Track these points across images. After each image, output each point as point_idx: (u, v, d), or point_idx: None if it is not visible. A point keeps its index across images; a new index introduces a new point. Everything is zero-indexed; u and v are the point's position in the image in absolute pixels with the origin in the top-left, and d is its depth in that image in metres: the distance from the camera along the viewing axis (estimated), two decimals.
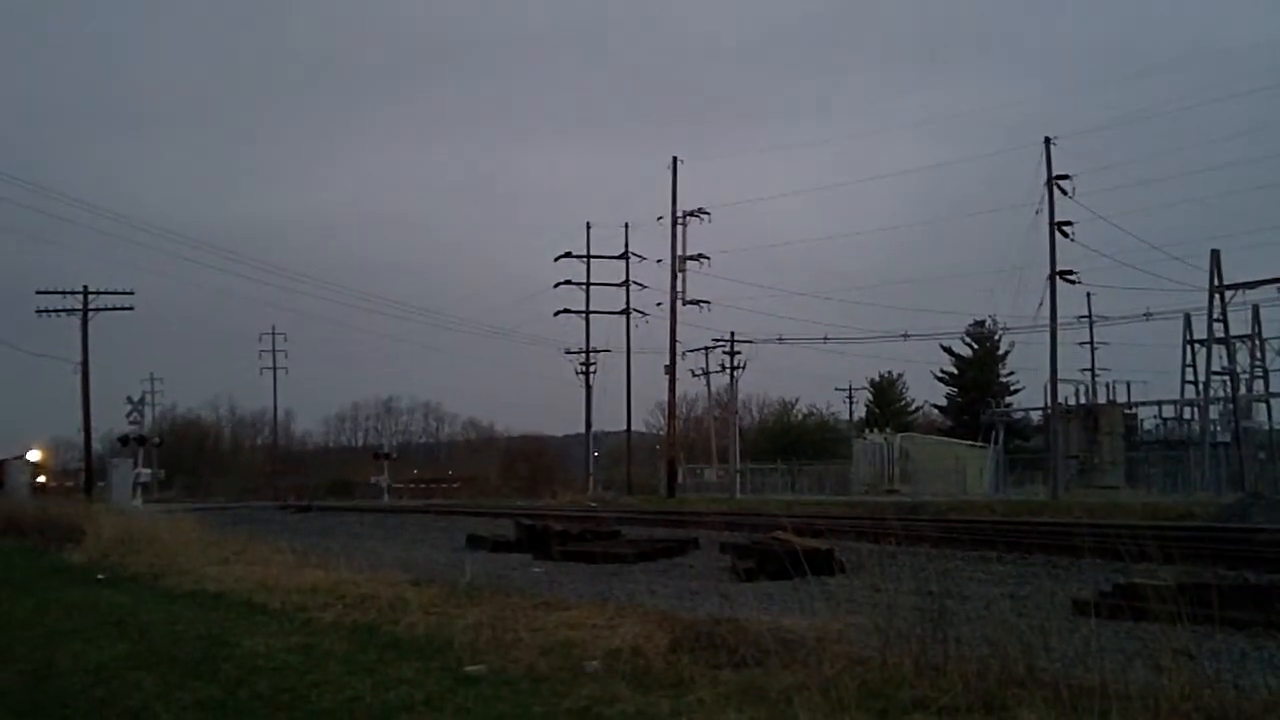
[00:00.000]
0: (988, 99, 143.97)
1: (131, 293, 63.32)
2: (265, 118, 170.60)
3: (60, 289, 62.35)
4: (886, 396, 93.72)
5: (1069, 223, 47.23)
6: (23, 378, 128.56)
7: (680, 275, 60.79)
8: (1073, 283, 48.68)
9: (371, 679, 7.30)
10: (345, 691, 6.99)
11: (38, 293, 62.22)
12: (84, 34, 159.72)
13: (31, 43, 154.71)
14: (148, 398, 77.63)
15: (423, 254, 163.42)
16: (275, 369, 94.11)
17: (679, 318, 61.06)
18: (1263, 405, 55.00)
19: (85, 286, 62.48)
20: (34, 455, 61.11)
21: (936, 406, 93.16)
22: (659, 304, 63.75)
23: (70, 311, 62.22)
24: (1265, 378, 54.22)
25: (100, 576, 15.99)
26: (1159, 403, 60.04)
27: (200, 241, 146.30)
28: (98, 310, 62.54)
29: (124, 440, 63.44)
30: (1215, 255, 51.95)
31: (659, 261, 63.84)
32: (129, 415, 61.86)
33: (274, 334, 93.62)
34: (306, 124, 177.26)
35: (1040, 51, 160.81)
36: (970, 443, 68.34)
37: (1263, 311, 52.64)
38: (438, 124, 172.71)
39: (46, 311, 62.03)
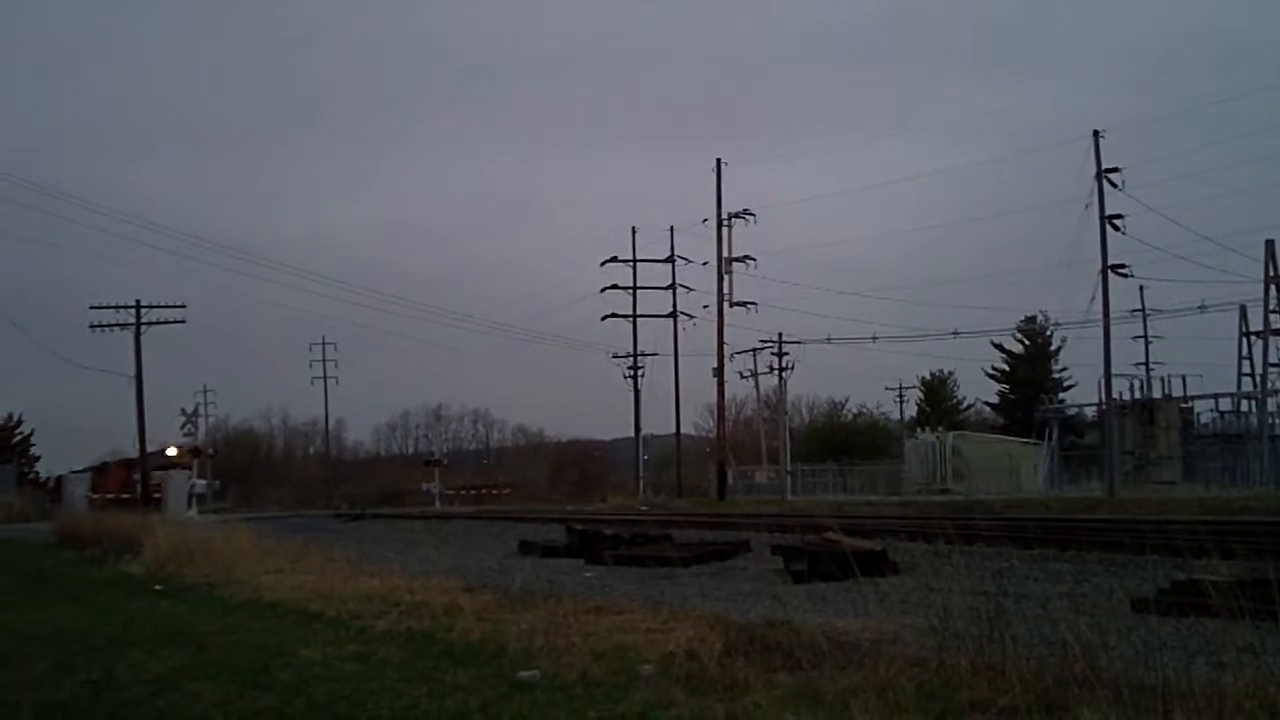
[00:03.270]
0: (1033, 96, 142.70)
1: (183, 306, 64.10)
2: (313, 134, 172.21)
3: (113, 304, 63.21)
4: (938, 395, 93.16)
5: (1119, 216, 46.78)
6: (79, 392, 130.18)
7: (726, 277, 60.81)
8: (1125, 276, 48.28)
9: (427, 686, 7.32)
10: (401, 699, 7.01)
11: (91, 308, 63.02)
12: (133, 57, 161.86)
13: (87, 62, 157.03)
14: (201, 409, 78.42)
15: (469, 263, 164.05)
16: (326, 378, 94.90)
17: (726, 319, 61.08)
18: None
19: (138, 301, 63.24)
20: (172, 452, 61.44)
21: (988, 404, 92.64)
22: (706, 306, 63.85)
23: (124, 326, 62.95)
24: None
25: (158, 587, 16.15)
26: (1215, 396, 59.17)
27: (249, 253, 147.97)
28: (150, 324, 63.25)
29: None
30: (1270, 246, 51.16)
31: (705, 264, 63.95)
32: (183, 427, 62.54)
33: (324, 344, 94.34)
34: (354, 140, 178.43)
35: (1083, 49, 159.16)
36: (1023, 440, 67.78)
37: None
38: (481, 137, 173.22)
39: (100, 326, 62.82)
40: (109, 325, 62.90)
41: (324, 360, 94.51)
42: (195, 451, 61.15)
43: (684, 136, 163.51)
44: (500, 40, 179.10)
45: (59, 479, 73.03)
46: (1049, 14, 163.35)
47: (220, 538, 20.06)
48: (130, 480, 66.12)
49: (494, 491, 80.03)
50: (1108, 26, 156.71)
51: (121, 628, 11.51)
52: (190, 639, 10.30)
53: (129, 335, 63.01)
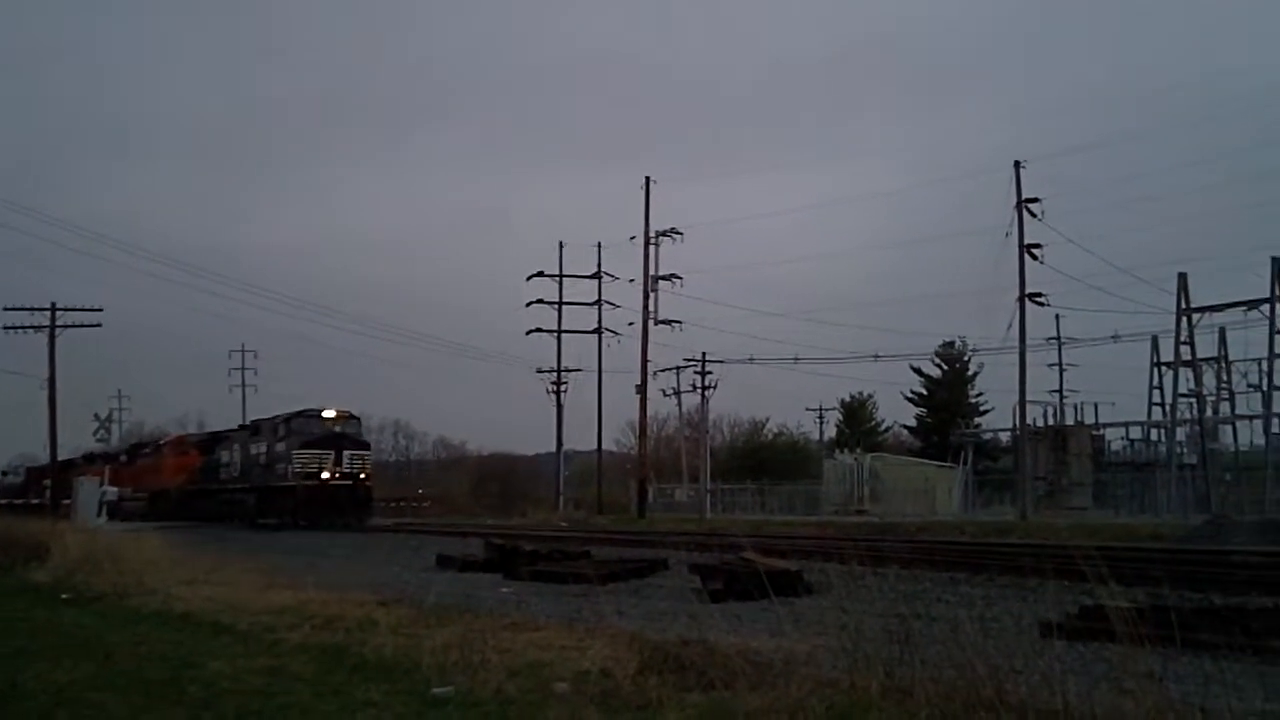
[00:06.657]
0: (959, 126, 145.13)
1: (100, 309, 62.71)
2: (252, 146, 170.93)
3: (28, 305, 61.82)
4: (857, 417, 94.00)
5: (1038, 245, 47.57)
6: None
7: (652, 295, 60.84)
8: (1041, 305, 49.03)
9: (338, 701, 7.27)
10: (312, 714, 6.95)
11: (4, 309, 61.59)
12: (87, 60, 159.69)
13: (33, 64, 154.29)
14: (115, 414, 76.99)
15: (397, 274, 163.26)
16: (244, 387, 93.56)
17: (651, 337, 61.08)
18: (1229, 427, 55.29)
19: (53, 303, 61.85)
20: (329, 414, 58.90)
21: (906, 427, 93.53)
22: (631, 324, 63.85)
23: (38, 328, 61.63)
24: (1231, 400, 54.48)
25: (65, 596, 15.84)
26: (1126, 424, 60.40)
27: (169, 259, 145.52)
28: (65, 327, 61.98)
29: (90, 458, 62.83)
30: (1183, 278, 52.32)
31: (631, 281, 63.91)
32: (96, 432, 61.28)
33: (243, 351, 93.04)
34: (293, 153, 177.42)
35: (1013, 82, 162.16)
36: (939, 463, 68.60)
37: (1229, 334, 53.06)
38: (421, 154, 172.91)
39: (14, 328, 61.45)
40: (22, 327, 61.56)
41: (243, 368, 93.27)
42: (107, 458, 59.84)
43: (621, 158, 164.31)
44: (447, 61, 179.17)
45: None
46: (982, 48, 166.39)
47: (131, 546, 19.72)
48: (40, 485, 64.66)
49: (414, 504, 79.25)
50: (1037, 63, 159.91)
51: (26, 637, 11.28)
52: (97, 649, 10.12)
53: (44, 338, 61.74)
